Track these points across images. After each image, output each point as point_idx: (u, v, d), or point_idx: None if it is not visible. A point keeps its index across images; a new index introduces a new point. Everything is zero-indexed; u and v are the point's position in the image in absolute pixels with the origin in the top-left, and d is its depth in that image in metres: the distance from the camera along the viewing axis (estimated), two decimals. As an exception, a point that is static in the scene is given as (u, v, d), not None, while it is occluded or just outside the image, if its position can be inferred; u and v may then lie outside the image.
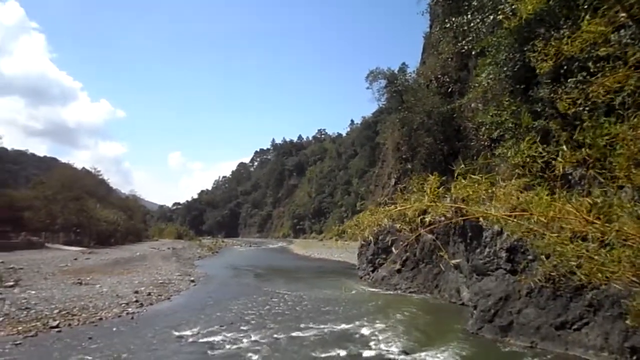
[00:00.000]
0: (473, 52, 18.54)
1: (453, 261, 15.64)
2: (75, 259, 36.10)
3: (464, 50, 20.15)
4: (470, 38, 18.58)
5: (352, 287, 24.08)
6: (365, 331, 13.72)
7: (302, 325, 14.43)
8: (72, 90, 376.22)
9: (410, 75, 28.58)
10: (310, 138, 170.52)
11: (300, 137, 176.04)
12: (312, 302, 19.38)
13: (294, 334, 13.28)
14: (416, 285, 21.47)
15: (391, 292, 21.78)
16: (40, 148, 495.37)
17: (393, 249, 21.46)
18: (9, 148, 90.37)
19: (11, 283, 20.69)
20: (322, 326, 14.32)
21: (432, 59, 26.30)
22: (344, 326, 14.38)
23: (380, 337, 12.88)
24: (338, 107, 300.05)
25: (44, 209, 58.33)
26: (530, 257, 11.92)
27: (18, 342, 11.75)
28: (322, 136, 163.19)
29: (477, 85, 17.17)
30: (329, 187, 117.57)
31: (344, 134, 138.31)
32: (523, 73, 14.01)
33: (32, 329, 13.08)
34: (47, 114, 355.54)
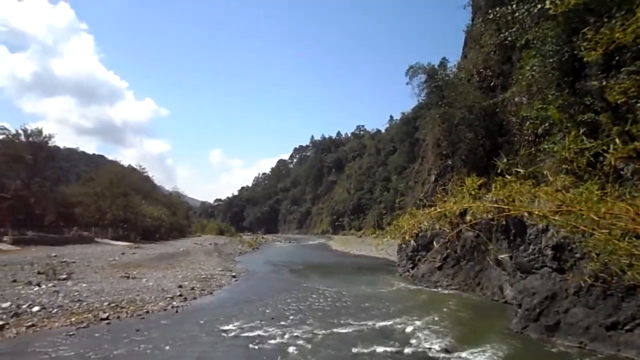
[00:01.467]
0: (517, 45, 18.06)
1: (501, 256, 15.25)
2: (123, 254, 37.37)
3: (507, 43, 19.65)
4: (514, 30, 18.09)
5: (391, 283, 23.95)
6: (405, 328, 13.59)
7: (342, 321, 14.43)
8: (119, 89, 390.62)
9: (450, 70, 28.14)
10: (349, 134, 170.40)
11: (339, 134, 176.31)
12: (352, 298, 19.37)
13: (334, 330, 13.30)
14: (457, 282, 21.14)
15: (432, 289, 21.52)
16: (89, 146, 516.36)
17: (435, 243, 21.18)
18: (61, 146, 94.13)
19: (64, 276, 21.63)
20: (362, 322, 14.29)
21: (473, 53, 25.78)
22: (384, 323, 14.30)
23: (421, 335, 12.74)
24: (377, 103, 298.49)
25: (94, 204, 60.64)
26: (577, 255, 11.54)
27: (71, 332, 12.19)
28: (361, 132, 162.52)
29: (521, 78, 16.72)
30: (368, 184, 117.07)
31: (383, 130, 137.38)
32: (570, 65, 13.55)
33: (84, 321, 13.53)
34: (96, 112, 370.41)
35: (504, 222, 14.87)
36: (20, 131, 58.51)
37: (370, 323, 14.24)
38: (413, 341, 12.07)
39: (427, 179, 29.76)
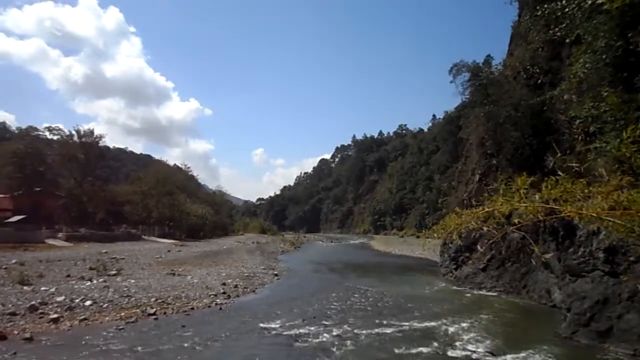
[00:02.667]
0: (567, 40, 17.48)
1: (547, 255, 14.75)
2: (169, 251, 38.56)
3: (556, 39, 19.03)
4: (564, 25, 17.48)
5: (434, 284, 23.68)
6: (449, 330, 13.43)
7: (384, 322, 14.39)
8: (165, 90, 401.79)
9: (495, 68, 27.53)
10: (391, 134, 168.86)
11: (380, 133, 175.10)
12: (394, 298, 19.28)
13: (376, 330, 13.29)
14: (502, 284, 20.66)
15: (476, 291, 21.14)
16: (137, 146, 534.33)
17: (478, 246, 20.77)
18: (111, 146, 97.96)
19: (114, 272, 22.57)
20: (404, 323, 14.22)
21: (520, 50, 25.12)
22: (427, 324, 14.18)
23: (465, 337, 12.56)
24: (419, 102, 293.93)
25: (141, 203, 62.75)
26: (632, 259, 11.08)
27: (121, 327, 12.72)
28: (403, 131, 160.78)
29: (571, 75, 16.17)
30: (410, 183, 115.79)
31: (426, 130, 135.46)
32: (625, 60, 12.99)
33: (132, 316, 14.09)
34: (143, 113, 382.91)
35: (553, 224, 14.44)
36: (74, 132, 61.54)
37: (412, 324, 14.16)
38: (457, 343, 11.92)
39: (471, 178, 29.18)
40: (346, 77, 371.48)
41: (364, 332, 13.05)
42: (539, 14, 20.31)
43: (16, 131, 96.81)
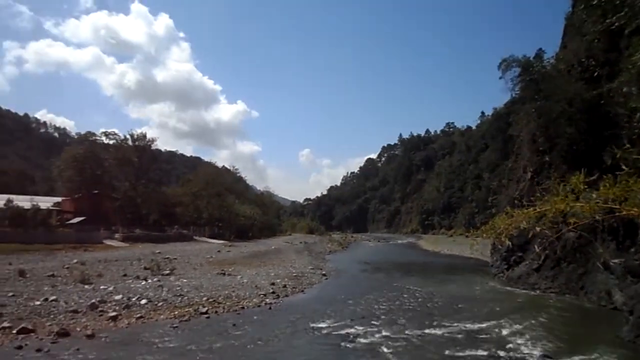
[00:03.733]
0: (626, 31, 16.70)
1: (614, 260, 14.14)
2: (219, 251, 39.56)
3: (614, 29, 18.19)
4: (622, 14, 16.71)
5: (485, 285, 23.15)
6: (502, 331, 13.11)
7: (434, 323, 14.23)
8: (213, 93, 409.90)
9: (547, 62, 26.55)
10: (438, 132, 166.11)
11: (427, 131, 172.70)
12: (444, 299, 19.02)
13: (426, 331, 13.15)
14: (557, 285, 19.93)
15: (529, 292, 20.49)
16: (187, 148, 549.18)
17: (535, 247, 20.12)
18: (162, 149, 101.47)
19: (167, 271, 23.40)
20: (455, 324, 14.00)
21: (574, 42, 24.15)
22: (478, 325, 13.89)
23: (519, 339, 12.21)
24: (467, 99, 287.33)
25: (192, 204, 64.70)
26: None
27: (175, 325, 13.16)
28: (451, 129, 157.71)
29: (630, 66, 15.44)
30: (459, 182, 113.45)
31: (474, 127, 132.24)
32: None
33: (185, 314, 14.53)
34: (192, 116, 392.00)
35: (612, 223, 13.85)
36: (128, 136, 64.23)
37: (463, 325, 13.92)
38: (510, 345, 11.62)
39: (523, 176, 28.30)
40: (392, 76, 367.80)
41: (413, 332, 12.95)
42: (594, 3, 19.52)
43: (75, 137, 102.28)
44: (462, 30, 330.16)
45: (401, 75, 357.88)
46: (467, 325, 13.83)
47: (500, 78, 26.25)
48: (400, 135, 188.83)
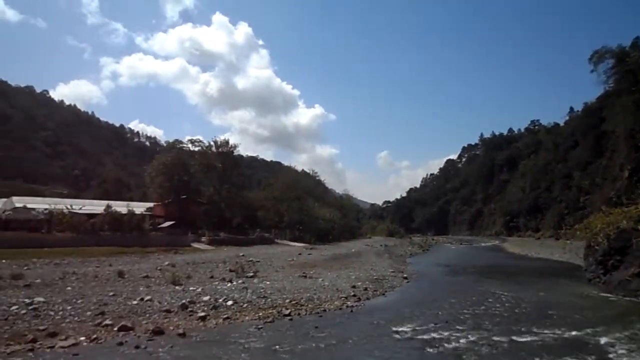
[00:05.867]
0: None
1: None
2: (300, 254, 40.25)
3: None
4: None
5: (578, 290, 21.65)
6: (599, 340, 12.19)
7: (522, 329, 13.55)
8: (292, 98, 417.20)
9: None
10: (522, 130, 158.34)
11: (510, 130, 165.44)
12: (533, 304, 18.07)
13: (514, 338, 12.54)
14: (665, 293, 18.23)
15: (630, 299, 18.85)
16: (267, 153, 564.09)
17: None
18: (244, 154, 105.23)
19: (251, 274, 24.22)
20: (546, 331, 13.25)
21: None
22: (572, 333, 13.03)
23: (620, 349, 11.30)
24: (552, 95, 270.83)
25: (273, 208, 66.60)
26: None
27: (260, 326, 13.58)
28: (536, 127, 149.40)
29: None
30: (545, 182, 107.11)
31: (562, 124, 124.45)
32: None
33: (269, 316, 14.95)
34: (272, 122, 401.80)
35: None
36: (212, 143, 67.49)
37: (555, 332, 13.15)
38: (610, 355, 10.83)
39: (619, 174, 26.38)
40: (471, 75, 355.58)
41: (500, 339, 12.41)
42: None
43: (164, 144, 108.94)
44: (545, 23, 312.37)
45: (481, 74, 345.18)
46: (559, 333, 13.05)
47: (592, 72, 24.67)
48: (482, 134, 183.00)
